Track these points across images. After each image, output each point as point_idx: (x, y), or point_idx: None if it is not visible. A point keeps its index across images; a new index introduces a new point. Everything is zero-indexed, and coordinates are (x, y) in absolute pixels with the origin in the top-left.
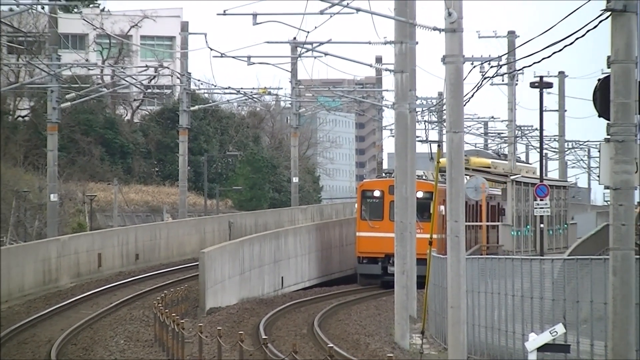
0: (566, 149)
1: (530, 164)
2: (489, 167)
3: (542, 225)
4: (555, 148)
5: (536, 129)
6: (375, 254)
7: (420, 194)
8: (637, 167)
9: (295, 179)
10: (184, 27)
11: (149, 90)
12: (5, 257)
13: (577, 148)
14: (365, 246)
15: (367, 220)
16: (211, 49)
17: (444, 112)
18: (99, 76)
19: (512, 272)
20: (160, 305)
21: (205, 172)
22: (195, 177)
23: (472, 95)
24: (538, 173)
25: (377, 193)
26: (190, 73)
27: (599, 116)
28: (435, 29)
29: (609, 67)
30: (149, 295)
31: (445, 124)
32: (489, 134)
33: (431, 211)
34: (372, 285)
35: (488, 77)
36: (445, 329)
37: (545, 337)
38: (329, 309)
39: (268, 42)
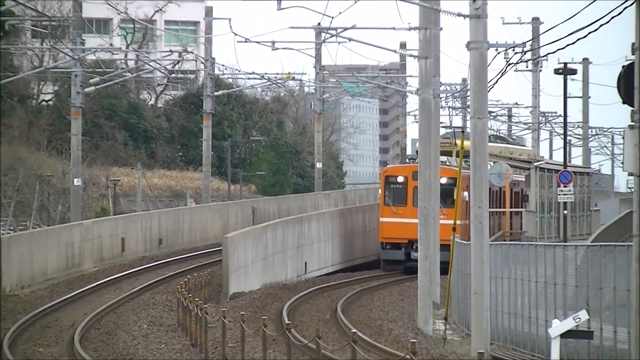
0: (590, 136)
1: (525, 146)
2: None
3: (565, 212)
4: (579, 135)
5: (560, 116)
6: (399, 239)
7: (443, 180)
8: None
9: (318, 165)
10: (208, 12)
11: (173, 75)
12: (28, 241)
13: (600, 135)
14: (388, 232)
15: (390, 205)
16: (235, 34)
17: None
18: (122, 61)
19: (535, 259)
20: (183, 290)
21: (229, 157)
22: (218, 162)
23: (496, 82)
24: (533, 155)
25: (400, 179)
26: (214, 58)
27: (623, 103)
28: (459, 15)
29: (633, 54)
30: (172, 280)
31: (469, 110)
32: (513, 121)
33: (454, 197)
34: (395, 271)
35: (512, 63)
36: (468, 315)
37: (568, 324)
38: (352, 295)
39: (292, 28)
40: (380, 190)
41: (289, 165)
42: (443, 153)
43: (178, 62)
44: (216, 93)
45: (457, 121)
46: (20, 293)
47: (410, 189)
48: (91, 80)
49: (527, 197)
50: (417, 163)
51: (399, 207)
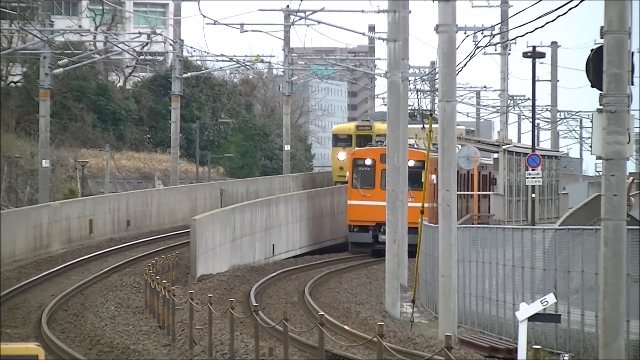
0: (558, 119)
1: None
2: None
3: (533, 195)
4: (547, 118)
5: (528, 99)
6: (366, 222)
7: (411, 163)
8: (629, 138)
9: (287, 147)
10: None
11: (142, 57)
12: None
13: (569, 118)
14: (356, 214)
15: (358, 188)
16: (204, 16)
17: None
18: (91, 42)
19: (503, 242)
20: (151, 272)
21: (197, 140)
22: (187, 145)
23: (465, 65)
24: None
25: (368, 161)
26: (183, 40)
27: (592, 86)
28: None
29: (602, 38)
30: (140, 261)
31: (437, 93)
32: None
33: (422, 180)
34: (363, 253)
35: (481, 46)
36: (436, 298)
37: (536, 307)
38: (320, 277)
39: (261, 10)
40: (348, 173)
41: (257, 148)
42: (361, 137)
43: (147, 44)
44: (185, 75)
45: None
46: None
47: (379, 172)
48: (60, 62)
49: (495, 180)
50: (384, 146)
51: (367, 190)
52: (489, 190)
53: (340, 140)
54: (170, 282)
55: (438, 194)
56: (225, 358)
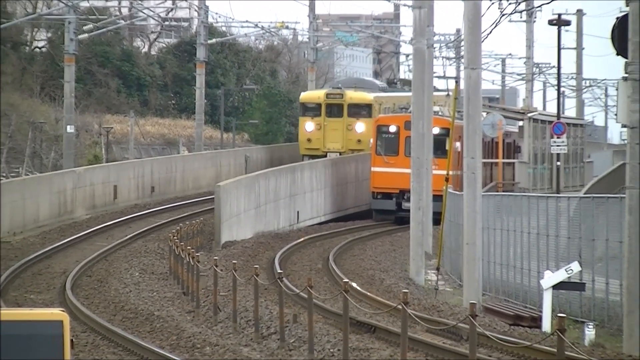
0: (583, 87)
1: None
2: (371, 103)
3: (558, 163)
4: (572, 86)
5: (554, 67)
6: (390, 189)
7: (436, 130)
8: None
9: None
10: None
11: (166, 23)
12: (20, 188)
13: (594, 86)
14: (379, 181)
15: (382, 155)
16: None
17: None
18: (116, 8)
19: (528, 210)
20: (175, 238)
21: (222, 106)
22: (211, 111)
23: (490, 32)
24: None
25: (392, 128)
26: (207, 6)
27: (617, 54)
28: None
29: (627, 6)
30: (164, 228)
31: (462, 60)
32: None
33: (446, 147)
34: (386, 221)
35: (506, 14)
36: (460, 266)
37: (560, 275)
38: (344, 244)
39: None
40: (372, 140)
41: (281, 114)
42: (331, 105)
43: (171, 10)
44: (209, 41)
45: (451, 71)
46: (12, 240)
47: (403, 139)
48: (84, 28)
49: (519, 148)
50: (409, 112)
51: (390, 157)
52: (513, 158)
53: (308, 109)
54: (195, 248)
55: (463, 161)
56: (249, 324)
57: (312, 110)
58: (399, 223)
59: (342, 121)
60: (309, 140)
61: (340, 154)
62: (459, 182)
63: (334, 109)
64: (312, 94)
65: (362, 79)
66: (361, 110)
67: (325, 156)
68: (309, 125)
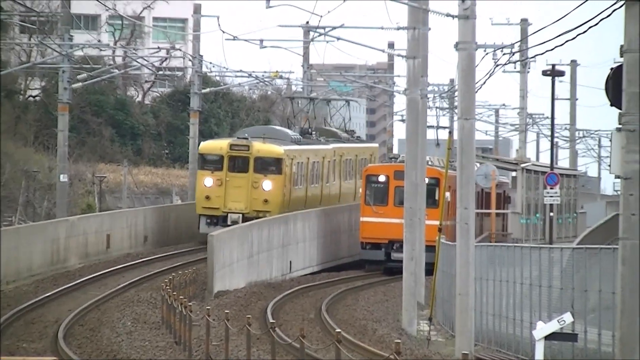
0: (577, 138)
1: (371, 142)
2: (282, 158)
3: (551, 214)
4: (566, 136)
5: (547, 117)
6: (379, 239)
7: (425, 180)
8: None
9: None
10: (197, 9)
11: (161, 72)
12: (14, 237)
13: (588, 137)
14: (368, 232)
15: (371, 205)
16: (223, 32)
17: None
18: (110, 57)
19: (520, 260)
20: (168, 287)
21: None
22: None
23: (484, 83)
24: (371, 153)
25: (382, 178)
26: (202, 55)
27: (611, 105)
28: (448, 15)
29: (621, 56)
30: (157, 277)
31: (456, 110)
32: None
33: (436, 197)
34: (377, 271)
35: (500, 64)
36: (453, 316)
37: (553, 326)
38: (336, 294)
39: (281, 26)
40: (361, 190)
41: None
42: (235, 158)
43: (166, 59)
44: (203, 91)
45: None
46: (5, 288)
47: (392, 189)
48: (79, 77)
49: (509, 199)
50: (399, 162)
51: (379, 207)
52: (504, 208)
53: (208, 161)
54: (187, 297)
55: (456, 211)
56: None
57: (212, 163)
58: (388, 274)
59: (247, 177)
60: (207, 197)
61: (243, 216)
62: (448, 232)
63: (239, 163)
64: (214, 144)
65: (272, 128)
66: (270, 165)
67: (226, 217)
68: (208, 181)
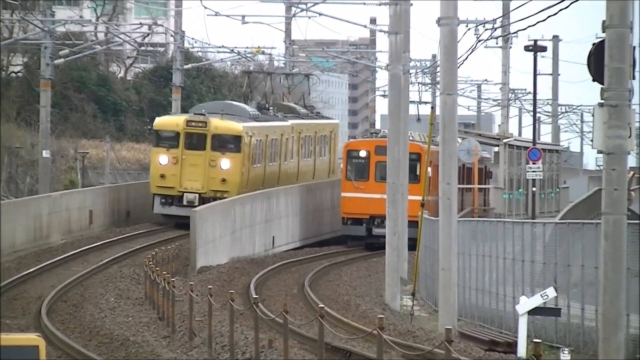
0: (559, 113)
1: (331, 118)
2: (240, 135)
3: (534, 189)
4: (548, 112)
5: (529, 93)
6: (360, 215)
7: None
8: (630, 132)
9: None
10: None
11: (143, 48)
12: None
13: (570, 112)
14: (349, 207)
15: (352, 180)
16: (205, 8)
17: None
18: (92, 33)
19: (503, 236)
20: (150, 263)
21: None
22: None
23: (466, 58)
24: (330, 130)
25: (362, 153)
26: (184, 31)
27: (593, 80)
28: None
29: (603, 32)
30: (140, 253)
31: (438, 86)
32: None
33: (417, 173)
34: (359, 246)
35: (482, 40)
36: (436, 291)
37: (536, 301)
38: (319, 270)
39: (263, 1)
40: (342, 165)
41: None
42: (191, 135)
43: (148, 35)
44: (186, 66)
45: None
46: None
47: (373, 164)
48: (61, 52)
49: (491, 174)
50: (380, 137)
51: (360, 182)
52: (485, 184)
53: (163, 139)
54: (170, 273)
55: (438, 187)
56: (225, 350)
57: (167, 140)
58: (369, 249)
59: (204, 155)
60: (162, 176)
61: (200, 196)
62: (430, 207)
63: (195, 140)
64: (169, 120)
65: (230, 104)
66: (228, 143)
67: (182, 197)
68: (163, 159)
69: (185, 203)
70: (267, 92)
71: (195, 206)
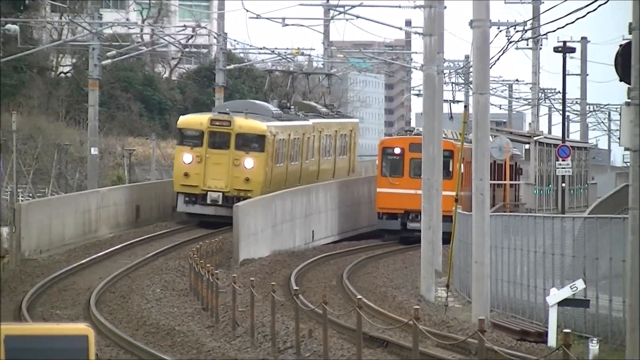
0: (587, 112)
1: (351, 117)
2: (264, 135)
3: (563, 185)
4: (577, 111)
5: (559, 92)
6: (395, 210)
7: None
8: None
9: None
10: None
11: (187, 50)
12: (46, 207)
13: (598, 111)
14: (385, 202)
15: (387, 176)
16: (247, 10)
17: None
18: (138, 35)
19: (534, 229)
20: (195, 256)
21: None
22: None
23: (498, 59)
24: (351, 129)
25: (397, 150)
26: (226, 33)
27: (620, 80)
28: None
29: (630, 34)
30: (185, 246)
31: (471, 85)
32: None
33: (450, 169)
34: (395, 240)
35: (513, 41)
36: (469, 283)
37: (565, 292)
38: (357, 262)
39: (302, 5)
40: (377, 161)
41: None
42: (215, 134)
43: (192, 37)
44: (228, 67)
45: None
46: (38, 257)
47: (407, 160)
48: (108, 54)
49: (521, 170)
50: (414, 135)
51: (395, 178)
52: (515, 180)
53: (187, 137)
54: (214, 266)
55: (466, 182)
56: (266, 339)
57: (192, 138)
58: (403, 243)
59: (227, 154)
60: (186, 175)
61: (223, 195)
62: (463, 203)
63: (219, 139)
64: (193, 119)
65: (253, 102)
66: (252, 142)
67: (205, 196)
68: (187, 157)
69: (208, 202)
70: (288, 91)
71: (219, 205)
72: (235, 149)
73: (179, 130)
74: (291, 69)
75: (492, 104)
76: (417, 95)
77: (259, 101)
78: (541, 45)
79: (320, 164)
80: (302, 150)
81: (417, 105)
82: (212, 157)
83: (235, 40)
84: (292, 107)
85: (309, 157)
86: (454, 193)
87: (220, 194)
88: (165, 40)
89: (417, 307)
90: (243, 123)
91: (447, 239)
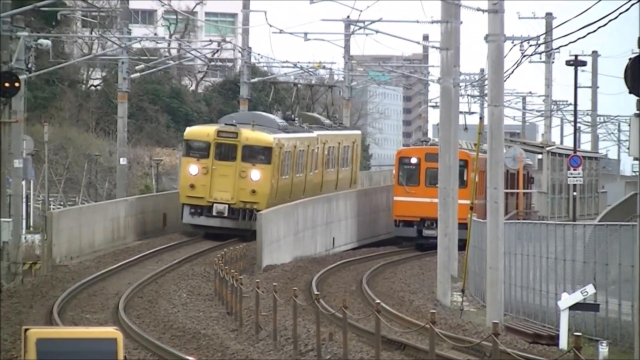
0: (598, 123)
1: (354, 128)
2: (271, 147)
3: (575, 193)
4: (588, 122)
5: (570, 104)
6: (411, 217)
7: None
8: None
9: None
10: (246, 4)
11: (212, 63)
12: (77, 215)
13: (608, 122)
14: (401, 210)
15: (403, 185)
16: (270, 26)
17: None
18: (166, 49)
19: (546, 236)
20: (220, 262)
21: None
22: None
23: (512, 72)
24: (353, 140)
25: (413, 160)
26: (250, 47)
27: (630, 92)
28: (479, 9)
29: (639, 47)
30: (210, 253)
31: (486, 98)
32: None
33: (465, 178)
34: (411, 247)
35: (527, 55)
36: (483, 288)
37: (576, 297)
38: (376, 268)
39: (323, 20)
40: (394, 171)
41: None
42: (222, 146)
43: (217, 51)
44: (252, 80)
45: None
46: (69, 264)
47: (423, 170)
48: (137, 67)
49: (533, 179)
50: (430, 145)
51: (411, 187)
52: (528, 188)
53: (193, 149)
54: (238, 271)
55: (480, 191)
56: (288, 342)
57: (198, 150)
58: (420, 249)
59: (234, 166)
60: (192, 186)
61: (229, 207)
62: (477, 210)
63: (226, 151)
64: (200, 130)
65: (259, 114)
66: (258, 154)
67: (211, 208)
68: (193, 169)
69: (214, 214)
70: (292, 102)
71: (225, 217)
72: (242, 161)
73: (186, 141)
74: (313, 82)
75: (506, 116)
76: (434, 107)
77: (265, 113)
78: (554, 59)
79: (323, 176)
80: (307, 162)
81: (433, 116)
82: (218, 168)
83: (259, 54)
84: (297, 118)
85: (313, 169)
86: (468, 201)
87: (226, 205)
88: (192, 54)
89: (434, 311)
90: (250, 135)
91: (462, 245)
